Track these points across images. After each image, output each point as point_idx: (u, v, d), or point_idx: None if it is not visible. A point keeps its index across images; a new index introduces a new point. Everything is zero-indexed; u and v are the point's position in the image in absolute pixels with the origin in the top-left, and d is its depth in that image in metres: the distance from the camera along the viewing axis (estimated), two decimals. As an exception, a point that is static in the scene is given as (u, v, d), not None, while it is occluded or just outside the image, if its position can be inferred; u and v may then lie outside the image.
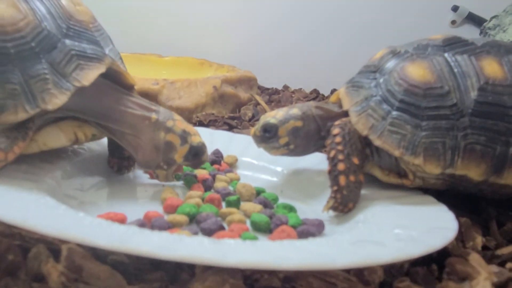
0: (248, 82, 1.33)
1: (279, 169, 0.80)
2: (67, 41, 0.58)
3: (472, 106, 0.60)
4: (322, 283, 0.46)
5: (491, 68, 0.62)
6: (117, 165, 0.71)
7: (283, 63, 1.77)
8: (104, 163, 0.72)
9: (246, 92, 1.29)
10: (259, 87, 1.60)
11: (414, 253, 0.41)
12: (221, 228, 0.53)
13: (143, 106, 0.64)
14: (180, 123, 0.64)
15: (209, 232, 0.51)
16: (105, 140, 0.73)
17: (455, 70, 0.62)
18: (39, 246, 0.45)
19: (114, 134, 0.64)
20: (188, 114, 1.09)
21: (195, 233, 0.51)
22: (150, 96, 1.07)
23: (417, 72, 0.63)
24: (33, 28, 0.55)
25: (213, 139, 0.89)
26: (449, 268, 0.49)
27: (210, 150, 0.84)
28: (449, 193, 0.70)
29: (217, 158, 0.81)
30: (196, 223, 0.55)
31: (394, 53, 0.68)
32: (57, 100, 0.54)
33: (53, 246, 0.46)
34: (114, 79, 0.65)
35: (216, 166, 0.79)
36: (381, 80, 0.65)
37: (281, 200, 0.68)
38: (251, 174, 0.80)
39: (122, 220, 0.52)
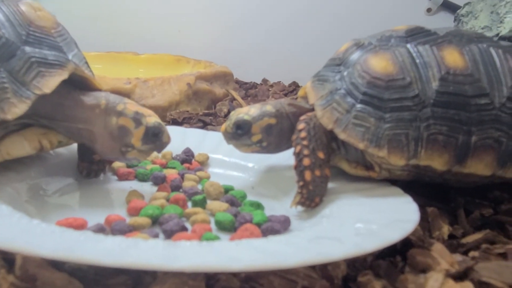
0: (224, 77, 1.32)
1: (250, 165, 0.80)
2: (27, 48, 0.57)
3: (434, 97, 0.60)
4: (282, 281, 0.46)
5: (452, 57, 0.62)
6: (86, 169, 0.70)
7: (261, 56, 1.76)
8: (71, 168, 0.72)
9: (222, 87, 1.28)
10: (238, 82, 1.59)
11: (369, 248, 0.41)
12: (183, 229, 0.52)
13: (92, 96, 0.62)
14: (131, 106, 0.62)
15: (170, 234, 0.51)
16: (74, 145, 0.72)
17: (417, 60, 0.62)
18: (-7, 257, 0.44)
19: (72, 133, 0.63)
20: (161, 113, 1.08)
21: (155, 236, 0.50)
22: (123, 95, 1.05)
23: (379, 64, 0.63)
24: None
25: (185, 137, 0.88)
26: (410, 260, 0.49)
27: (181, 149, 0.84)
28: (419, 183, 0.71)
29: (188, 157, 0.80)
30: (158, 225, 0.55)
31: (358, 46, 0.67)
32: (17, 109, 0.54)
33: (8, 256, 0.45)
34: (79, 85, 0.64)
35: (186, 165, 0.78)
36: (345, 73, 0.65)
37: (251, 197, 0.68)
38: (222, 172, 0.80)
39: (81, 226, 0.51)
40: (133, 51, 1.63)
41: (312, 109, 0.68)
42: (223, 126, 0.71)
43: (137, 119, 0.61)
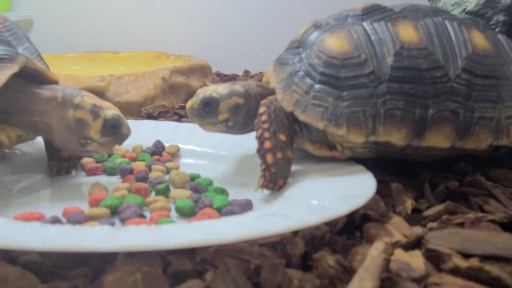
0: (202, 70, 1.32)
1: (222, 153, 0.80)
2: None
3: (389, 72, 0.60)
4: (237, 261, 0.46)
5: (406, 32, 0.62)
6: (56, 167, 0.70)
7: (243, 48, 1.76)
8: (39, 166, 0.72)
9: (199, 80, 1.28)
10: (219, 75, 1.59)
11: (311, 221, 0.41)
12: (141, 217, 0.52)
13: (49, 89, 0.62)
14: (89, 98, 0.62)
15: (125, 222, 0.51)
16: (41, 144, 0.72)
17: (372, 38, 0.62)
18: None
19: (29, 127, 0.63)
20: (137, 108, 1.08)
21: (111, 224, 0.50)
22: (97, 93, 1.04)
23: (335, 43, 0.63)
24: None
25: (157, 131, 0.88)
26: (365, 234, 0.49)
27: (153, 141, 0.84)
28: (387, 161, 0.71)
29: (157, 149, 0.80)
30: (117, 215, 0.55)
31: (316, 26, 0.67)
32: None
33: (-40, 252, 0.45)
34: (35, 78, 0.64)
35: (156, 157, 0.78)
36: (303, 55, 0.65)
37: (219, 183, 0.68)
38: (193, 162, 0.80)
39: (38, 219, 0.51)
40: (113, 50, 1.62)
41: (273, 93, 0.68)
42: (189, 103, 0.69)
43: (95, 112, 0.61)
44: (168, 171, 0.73)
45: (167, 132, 0.88)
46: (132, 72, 1.14)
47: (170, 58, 1.55)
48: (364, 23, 0.64)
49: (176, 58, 1.53)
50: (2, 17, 0.63)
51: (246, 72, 1.68)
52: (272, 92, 0.69)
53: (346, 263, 0.44)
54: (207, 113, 0.68)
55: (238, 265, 0.46)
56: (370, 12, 0.65)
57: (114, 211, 0.55)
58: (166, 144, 0.83)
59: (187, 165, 0.78)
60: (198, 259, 0.47)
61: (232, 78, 1.54)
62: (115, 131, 0.62)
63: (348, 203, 0.47)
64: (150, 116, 1.05)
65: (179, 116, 1.06)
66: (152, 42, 1.71)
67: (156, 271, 0.45)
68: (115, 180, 0.70)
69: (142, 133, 0.85)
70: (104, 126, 0.61)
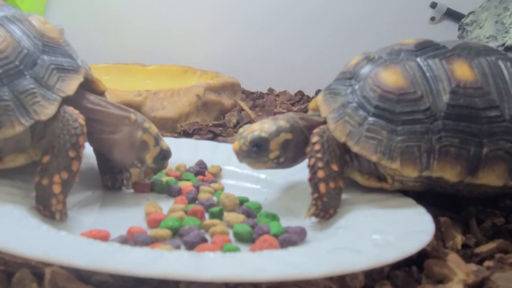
0: (232, 88, 1.34)
1: (263, 176, 0.81)
2: (45, 57, 0.62)
3: (444, 109, 0.62)
4: (303, 292, 0.47)
5: (462, 71, 0.63)
6: (111, 180, 0.72)
7: (267, 66, 1.78)
8: (88, 181, 0.73)
9: (229, 98, 1.29)
10: (244, 92, 1.61)
11: (389, 259, 0.43)
12: (204, 240, 0.54)
13: (120, 107, 0.68)
14: (154, 127, 0.69)
15: (191, 245, 0.52)
16: (90, 160, 0.74)
17: (427, 74, 0.64)
18: (22, 271, 0.45)
19: (91, 135, 0.66)
20: (172, 124, 1.10)
21: (177, 247, 0.51)
22: (133, 107, 1.06)
23: (391, 77, 0.64)
24: (13, 48, 0.60)
25: (197, 150, 0.90)
26: (427, 270, 0.50)
27: (193, 161, 0.86)
28: (430, 193, 0.72)
29: (201, 169, 0.81)
30: (179, 236, 0.56)
31: (369, 59, 0.69)
32: (48, 110, 0.59)
33: (37, 270, 0.46)
34: (86, 87, 0.68)
35: (200, 177, 0.80)
36: (357, 87, 0.67)
37: (265, 208, 0.69)
38: (235, 183, 0.81)
39: (105, 237, 0.52)
40: (140, 62, 1.65)
41: (323, 122, 0.70)
42: (236, 145, 0.69)
43: (157, 140, 0.69)
44: (214, 192, 0.74)
45: (206, 151, 0.89)
46: (167, 87, 1.16)
47: (196, 73, 1.57)
48: (418, 59, 0.66)
49: (202, 73, 1.56)
50: (60, 33, 0.67)
51: (270, 90, 1.70)
52: (315, 123, 0.69)
53: (411, 300, 0.45)
54: (257, 153, 0.68)
55: (305, 296, 0.47)
56: (423, 48, 0.67)
57: (175, 232, 0.57)
58: (207, 164, 0.84)
59: (230, 186, 0.79)
60: (264, 287, 0.48)
61: (260, 96, 1.56)
62: (161, 162, 0.70)
63: (415, 239, 0.48)
64: (185, 133, 1.07)
65: (214, 134, 1.07)
66: (178, 56, 1.73)
67: (223, 298, 0.46)
68: (163, 198, 0.71)
69: (183, 151, 0.87)
70: (158, 154, 0.69)
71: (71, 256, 0.38)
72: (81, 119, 0.59)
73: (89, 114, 0.65)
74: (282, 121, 0.69)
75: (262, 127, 0.68)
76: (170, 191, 0.72)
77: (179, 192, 0.71)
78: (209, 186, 0.74)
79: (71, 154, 0.57)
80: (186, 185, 0.73)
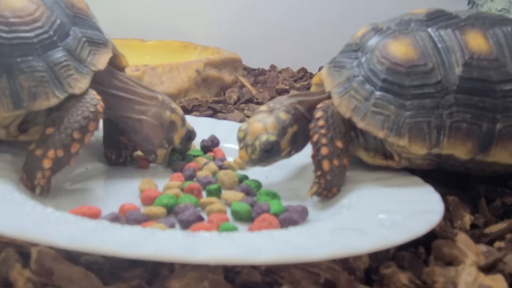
0: (233, 63, 1.30)
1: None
2: (76, 29, 0.60)
3: (457, 83, 0.58)
4: (304, 274, 0.44)
5: (476, 42, 0.60)
6: (115, 154, 0.71)
7: (269, 42, 1.73)
8: (83, 157, 0.70)
9: (230, 74, 1.26)
10: (245, 68, 1.57)
11: (396, 240, 0.40)
12: (200, 219, 0.51)
13: (146, 87, 0.68)
14: (180, 108, 0.71)
15: (186, 224, 0.50)
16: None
17: (439, 45, 0.60)
18: (8, 250, 0.43)
19: (118, 112, 0.66)
20: (171, 100, 1.07)
21: (172, 226, 0.49)
22: (131, 83, 1.04)
23: (400, 49, 0.60)
24: (47, 17, 0.58)
25: (196, 127, 0.87)
26: (436, 252, 0.48)
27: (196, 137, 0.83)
28: (437, 171, 0.69)
29: (209, 144, 0.79)
30: (174, 214, 0.53)
31: (376, 30, 0.65)
32: (81, 84, 0.57)
33: (23, 250, 0.44)
34: (109, 62, 0.65)
35: (210, 153, 0.77)
36: (363, 59, 0.63)
37: (265, 186, 0.66)
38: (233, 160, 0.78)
39: (95, 215, 0.50)
40: (139, 37, 1.60)
41: (324, 97, 0.66)
42: (243, 154, 0.63)
43: (184, 120, 0.70)
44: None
45: (205, 128, 0.86)
46: (166, 62, 1.13)
47: (197, 49, 1.54)
48: (430, 30, 0.62)
49: (203, 49, 1.52)
50: (87, 5, 0.64)
51: (273, 67, 1.65)
52: (315, 101, 0.65)
53: (419, 283, 0.43)
54: (269, 156, 0.63)
55: (306, 278, 0.44)
56: (435, 18, 0.63)
57: (170, 210, 0.54)
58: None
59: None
60: (263, 268, 0.45)
61: (262, 73, 1.52)
62: (187, 143, 0.71)
63: (424, 220, 0.45)
64: (184, 110, 1.03)
65: (214, 110, 1.04)
66: (178, 31, 1.69)
67: (219, 278, 0.44)
68: (159, 176, 0.69)
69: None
70: (185, 135, 0.70)
71: (54, 234, 0.36)
72: (100, 106, 0.57)
73: (117, 91, 0.65)
74: (282, 113, 0.64)
75: (266, 127, 0.62)
76: (174, 167, 0.70)
77: (182, 169, 0.69)
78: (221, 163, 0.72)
79: (76, 135, 0.55)
80: (199, 162, 0.71)
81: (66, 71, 0.57)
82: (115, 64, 0.68)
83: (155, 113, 0.67)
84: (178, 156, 0.71)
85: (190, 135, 0.70)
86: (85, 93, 0.58)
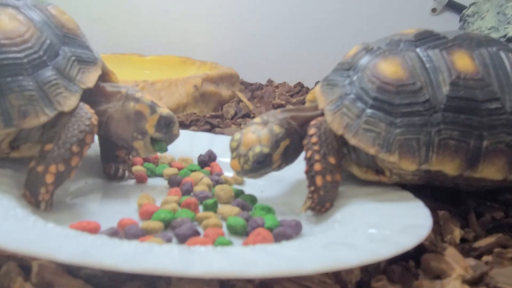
0: (230, 79, 1.32)
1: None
2: (66, 48, 0.62)
3: (444, 101, 0.60)
4: (296, 287, 0.46)
5: (463, 62, 0.62)
6: (113, 168, 0.72)
7: (266, 57, 1.76)
8: (82, 171, 0.72)
9: (228, 89, 1.28)
10: (243, 83, 1.60)
11: (385, 254, 0.42)
12: (196, 233, 0.52)
13: (113, 85, 0.69)
14: (148, 96, 0.69)
15: (183, 238, 0.51)
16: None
17: (427, 65, 0.62)
18: (9, 264, 0.44)
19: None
20: (169, 115, 1.08)
21: (169, 240, 0.50)
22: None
23: (389, 69, 0.63)
24: (37, 38, 0.60)
25: (193, 141, 0.88)
26: (424, 265, 0.49)
27: (189, 152, 0.84)
28: (428, 186, 0.71)
29: (206, 160, 0.81)
30: (171, 229, 0.55)
31: (367, 50, 0.67)
32: (71, 102, 0.59)
33: (24, 263, 0.45)
34: (100, 78, 0.68)
35: (207, 168, 0.79)
36: (355, 78, 0.65)
37: (261, 201, 0.68)
38: (231, 175, 0.80)
39: (95, 229, 0.51)
40: (138, 52, 1.63)
41: (317, 114, 0.68)
42: (235, 164, 0.65)
43: (153, 107, 0.67)
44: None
45: (203, 143, 0.88)
46: (165, 78, 1.15)
47: (195, 64, 1.56)
48: (418, 50, 0.64)
49: (201, 64, 1.54)
50: (77, 25, 0.66)
51: (270, 82, 1.68)
52: (307, 118, 0.67)
53: (408, 296, 0.44)
54: (261, 168, 0.65)
55: (299, 291, 0.46)
56: (423, 39, 0.65)
57: (167, 225, 0.56)
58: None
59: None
60: (258, 281, 0.47)
61: (259, 88, 1.54)
62: (167, 129, 0.68)
63: (412, 234, 0.47)
64: (182, 124, 1.06)
65: (211, 125, 1.06)
66: (176, 46, 1.72)
67: (216, 291, 0.45)
68: (158, 190, 0.70)
69: (178, 143, 0.85)
70: (159, 122, 0.67)
71: (54, 249, 0.37)
72: (94, 119, 0.59)
73: (90, 98, 0.65)
74: (275, 126, 0.65)
75: (260, 139, 0.64)
76: (171, 182, 0.71)
77: (179, 183, 0.70)
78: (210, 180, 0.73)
79: (75, 149, 0.57)
80: (196, 177, 0.72)
81: (56, 89, 0.58)
82: (106, 80, 0.70)
83: (118, 108, 0.66)
84: (163, 144, 0.69)
85: (165, 120, 0.67)
86: (78, 108, 0.59)
